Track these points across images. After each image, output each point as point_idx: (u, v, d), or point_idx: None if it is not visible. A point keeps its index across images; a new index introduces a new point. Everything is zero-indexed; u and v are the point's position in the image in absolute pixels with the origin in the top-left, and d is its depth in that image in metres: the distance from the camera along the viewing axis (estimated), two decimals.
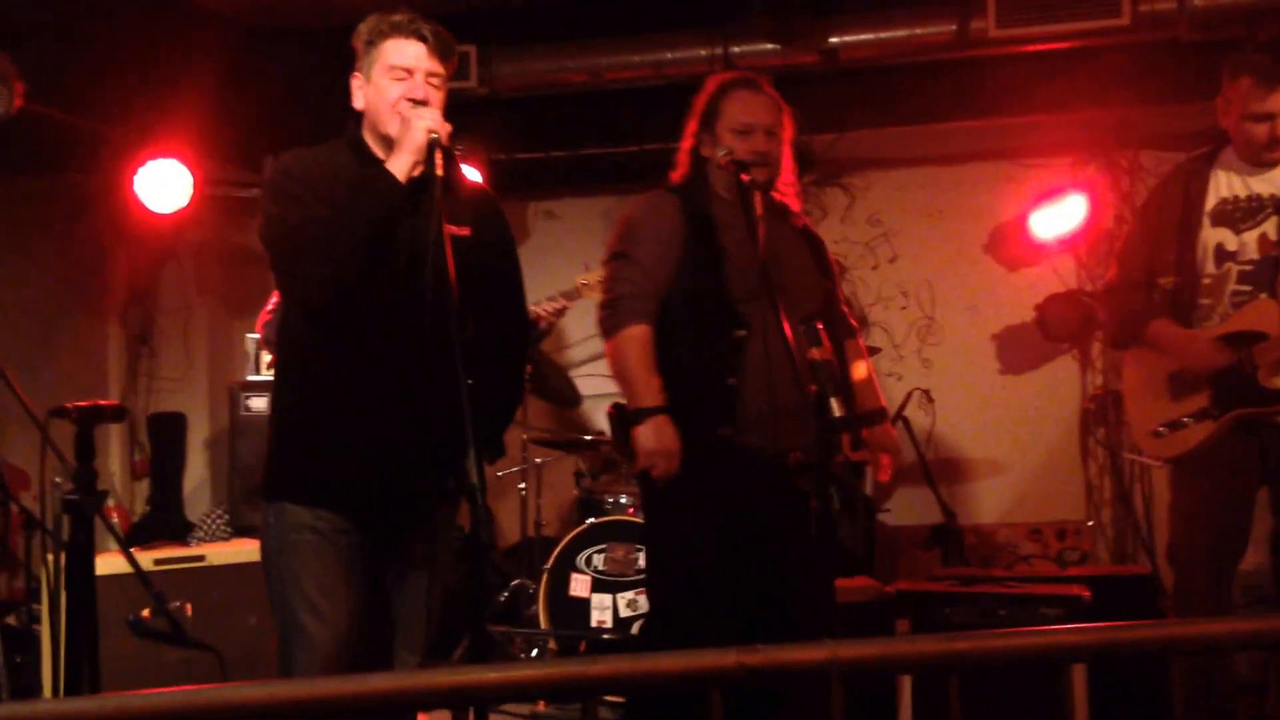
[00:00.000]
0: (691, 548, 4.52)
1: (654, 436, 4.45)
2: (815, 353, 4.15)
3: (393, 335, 3.82)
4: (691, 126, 4.70)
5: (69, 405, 3.72)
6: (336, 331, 3.83)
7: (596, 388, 8.11)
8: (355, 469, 3.84)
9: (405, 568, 3.98)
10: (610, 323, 4.58)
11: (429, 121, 3.76)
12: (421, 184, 3.76)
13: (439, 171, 3.72)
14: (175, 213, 7.95)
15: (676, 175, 4.73)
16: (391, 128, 3.84)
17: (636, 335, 4.50)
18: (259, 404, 7.75)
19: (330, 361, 3.87)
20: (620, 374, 4.57)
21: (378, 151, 3.90)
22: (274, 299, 6.27)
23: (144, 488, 9.35)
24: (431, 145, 3.75)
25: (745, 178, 4.40)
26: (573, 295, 7.20)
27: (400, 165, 3.76)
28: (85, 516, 3.79)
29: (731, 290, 4.47)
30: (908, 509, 8.34)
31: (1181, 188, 5.12)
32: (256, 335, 7.37)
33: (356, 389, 3.84)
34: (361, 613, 3.87)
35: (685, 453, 4.46)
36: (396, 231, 3.78)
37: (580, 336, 8.39)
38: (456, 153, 3.99)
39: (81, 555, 3.80)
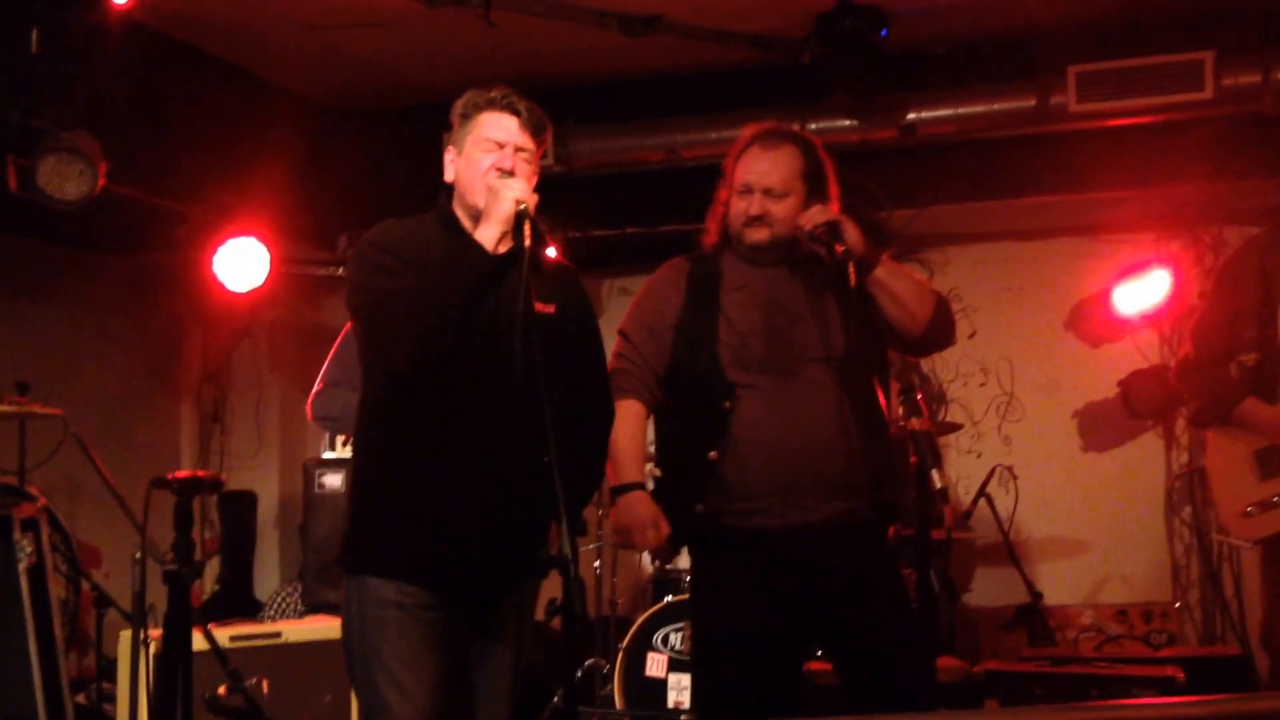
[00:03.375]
0: (704, 630, 4.46)
1: (624, 512, 4.38)
2: (915, 423, 4.07)
3: (478, 409, 3.79)
4: (720, 188, 4.58)
5: (169, 476, 3.69)
6: (422, 403, 3.81)
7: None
8: (442, 543, 3.81)
9: (489, 643, 3.93)
10: None
11: (517, 192, 3.75)
12: (508, 258, 3.75)
13: (526, 242, 3.70)
14: (250, 291, 7.96)
15: (708, 238, 4.60)
16: (480, 198, 3.84)
17: (620, 412, 4.38)
18: (333, 481, 7.72)
19: (415, 433, 3.84)
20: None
21: (467, 224, 3.90)
22: (322, 376, 6.27)
23: (213, 566, 9.32)
24: (519, 216, 3.73)
25: (839, 249, 4.21)
26: None
27: (488, 235, 3.75)
28: (184, 588, 3.75)
29: (722, 358, 4.33)
30: (989, 589, 8.24)
31: (1258, 263, 5.04)
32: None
33: (442, 462, 3.80)
34: (444, 689, 3.82)
35: (680, 529, 4.39)
36: (484, 303, 3.76)
37: None
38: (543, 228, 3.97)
39: (179, 627, 3.74)
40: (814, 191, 4.41)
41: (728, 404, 4.28)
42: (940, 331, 4.46)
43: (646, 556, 7.53)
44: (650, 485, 4.48)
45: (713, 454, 4.28)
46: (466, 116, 3.93)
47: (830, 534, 4.23)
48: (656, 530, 4.34)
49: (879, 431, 4.34)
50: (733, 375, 4.31)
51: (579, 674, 7.35)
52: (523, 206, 3.73)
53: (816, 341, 4.32)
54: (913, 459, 4.03)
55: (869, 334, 4.39)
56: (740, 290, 4.41)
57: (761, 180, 4.37)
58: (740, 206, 4.39)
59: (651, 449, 4.58)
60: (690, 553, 4.53)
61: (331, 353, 6.27)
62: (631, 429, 4.44)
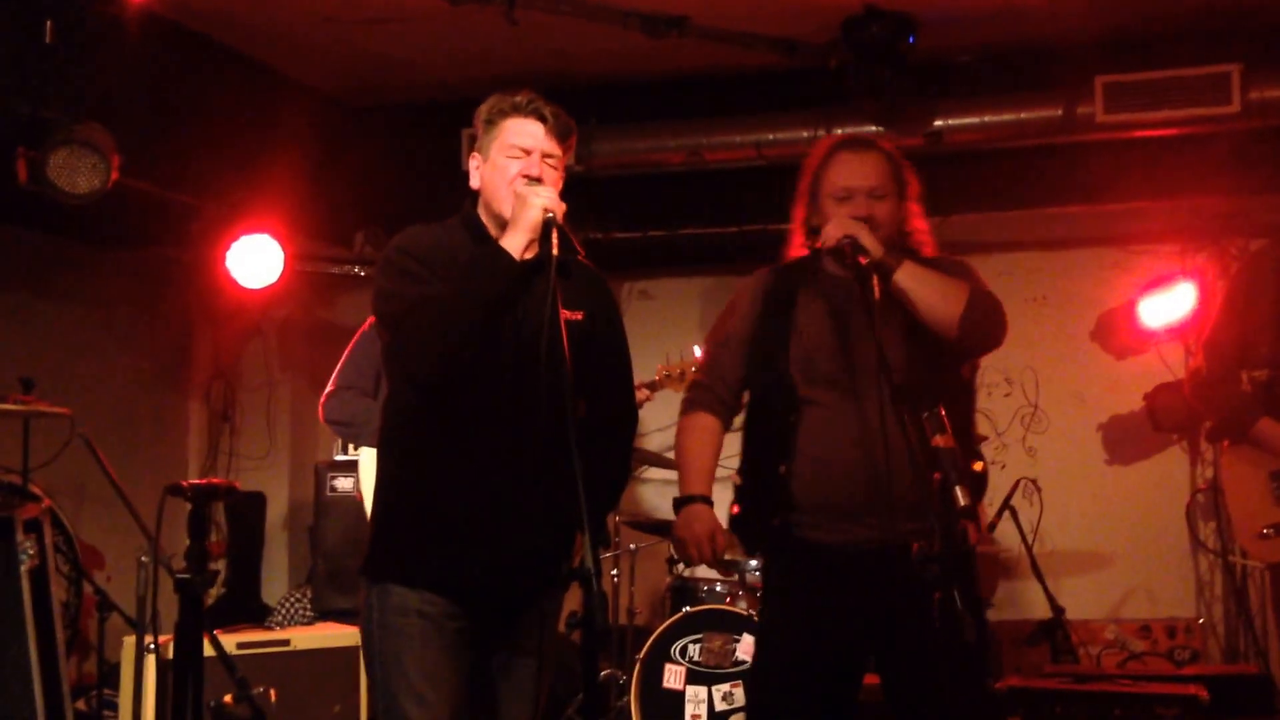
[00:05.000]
0: (768, 643, 4.46)
1: (684, 526, 4.40)
2: (939, 440, 3.97)
3: (504, 416, 3.78)
4: (802, 196, 4.51)
5: (185, 484, 3.64)
6: (447, 411, 3.79)
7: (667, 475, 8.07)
8: (466, 553, 3.78)
9: (512, 654, 3.91)
10: (681, 410, 4.58)
11: (545, 199, 3.73)
12: (536, 265, 3.72)
13: (554, 251, 3.67)
14: (263, 289, 7.88)
15: (791, 250, 4.56)
16: (506, 206, 3.81)
17: (691, 424, 4.47)
18: (345, 484, 7.66)
19: (440, 441, 3.82)
20: (676, 459, 4.57)
21: (493, 231, 3.88)
22: (334, 379, 6.25)
23: (218, 569, 9.20)
24: (547, 224, 3.71)
25: (864, 260, 4.16)
26: (655, 386, 7.15)
27: (515, 242, 3.72)
28: (196, 595, 3.70)
29: (791, 372, 4.31)
30: (1010, 603, 8.18)
31: (1270, 275, 4.95)
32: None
33: (467, 470, 3.78)
34: (464, 701, 3.80)
35: (755, 544, 4.51)
36: (511, 310, 3.74)
37: (654, 427, 8.31)
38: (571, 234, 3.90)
39: (191, 636, 3.68)
40: (903, 196, 4.41)
41: (793, 418, 4.28)
42: (977, 329, 4.30)
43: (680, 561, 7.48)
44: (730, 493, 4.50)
45: (782, 468, 4.28)
46: (491, 123, 3.92)
47: (896, 554, 4.11)
48: (713, 544, 4.36)
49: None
50: (801, 390, 4.30)
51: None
52: (550, 215, 3.71)
53: (886, 358, 4.19)
54: (936, 475, 3.92)
55: (933, 350, 4.30)
56: (814, 304, 4.40)
57: (863, 182, 4.33)
58: (840, 213, 4.31)
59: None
60: (765, 562, 4.59)
61: (345, 354, 6.22)
62: (700, 441, 4.48)
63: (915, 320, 4.24)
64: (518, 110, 3.88)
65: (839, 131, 7.22)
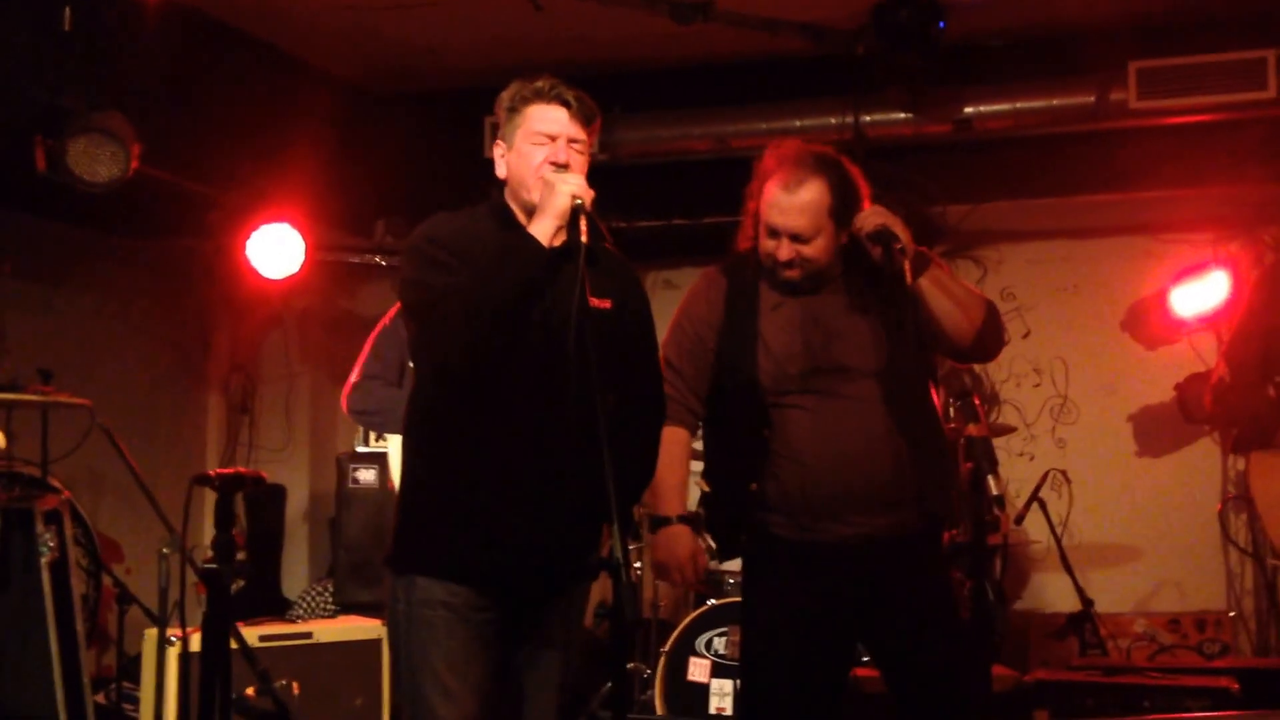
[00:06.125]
0: (751, 638, 4.42)
1: (664, 549, 4.37)
2: (972, 428, 3.91)
3: (532, 406, 3.73)
4: (753, 197, 4.40)
5: (211, 473, 3.65)
6: (475, 401, 3.73)
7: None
8: (493, 544, 3.73)
9: (538, 646, 3.86)
10: None
11: (573, 186, 3.66)
12: (564, 253, 3.65)
13: (583, 238, 3.60)
14: (283, 279, 7.83)
15: (741, 246, 4.46)
16: (534, 194, 3.75)
17: (663, 438, 4.26)
18: (367, 476, 7.61)
19: (467, 431, 3.76)
20: None
21: (522, 219, 3.81)
22: (357, 369, 6.21)
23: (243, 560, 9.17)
24: (575, 211, 3.63)
25: (897, 246, 4.11)
26: None
27: (543, 230, 3.65)
28: (224, 587, 3.67)
29: (762, 385, 4.25)
30: (1039, 595, 8.12)
31: None
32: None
33: (494, 461, 3.73)
34: (490, 693, 3.75)
35: (729, 552, 4.48)
36: (539, 299, 3.67)
37: None
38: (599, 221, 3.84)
39: (219, 627, 3.63)
40: (842, 225, 4.26)
41: (766, 432, 4.23)
42: (991, 339, 4.37)
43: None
44: (694, 505, 4.47)
45: (753, 485, 4.25)
46: (514, 110, 3.86)
47: (879, 547, 4.19)
48: (695, 567, 4.35)
49: (929, 440, 4.29)
50: (772, 400, 4.25)
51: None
52: (579, 202, 3.64)
53: (857, 356, 4.25)
54: (968, 465, 3.87)
55: (915, 341, 4.29)
56: (776, 310, 4.33)
57: (789, 226, 4.22)
58: (769, 246, 4.25)
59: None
60: (744, 563, 4.49)
61: (368, 344, 6.16)
62: (674, 457, 4.38)
63: (897, 313, 4.24)
64: (540, 96, 3.81)
65: (866, 119, 7.31)
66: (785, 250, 4.22)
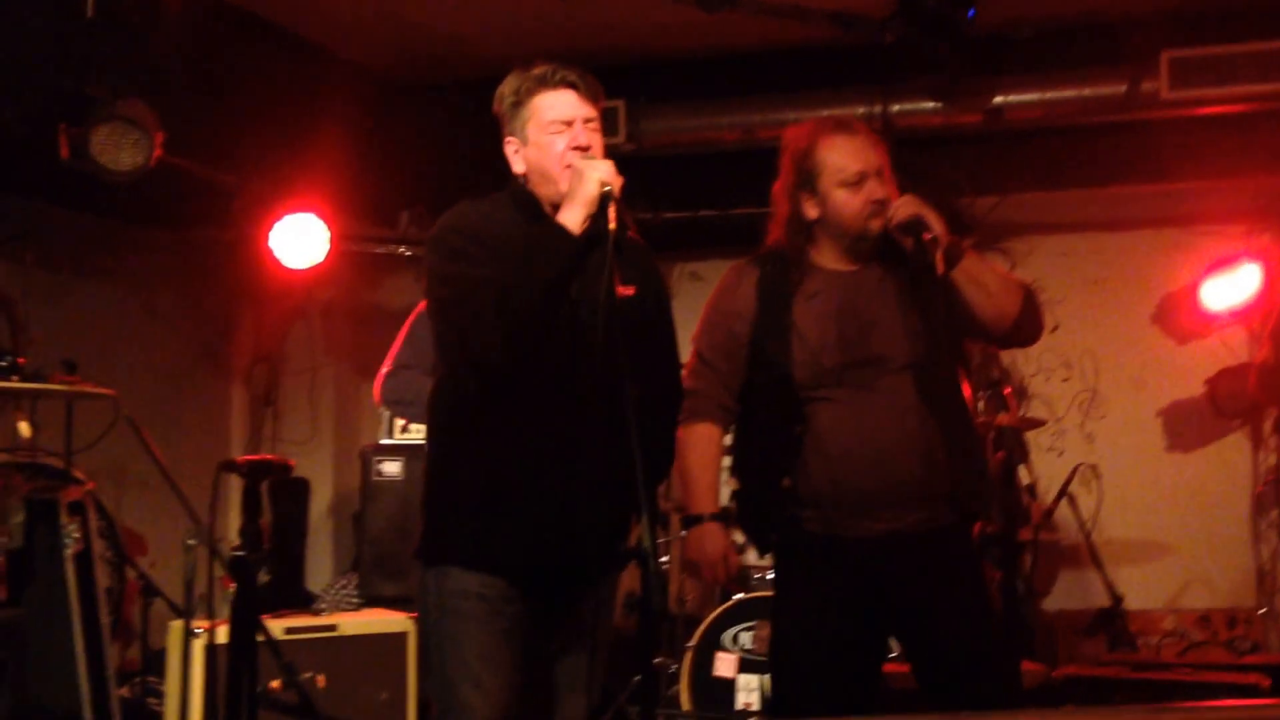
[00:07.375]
0: (782, 633, 4.37)
1: (696, 546, 4.31)
2: (1003, 418, 3.85)
3: (560, 396, 3.70)
4: (785, 188, 4.32)
5: (239, 459, 3.61)
6: (504, 392, 3.69)
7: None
8: (525, 535, 3.71)
9: (570, 637, 3.87)
10: (681, 417, 4.34)
11: (602, 173, 3.62)
12: (590, 240, 3.61)
13: (612, 226, 3.56)
14: (307, 269, 7.79)
15: (771, 239, 4.38)
16: (562, 184, 3.70)
17: (693, 437, 4.29)
18: (392, 468, 7.56)
19: (498, 423, 3.73)
20: (678, 474, 4.37)
21: (545, 207, 3.77)
22: (390, 359, 6.16)
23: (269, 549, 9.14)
24: (604, 198, 3.59)
25: (927, 236, 4.07)
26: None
27: (572, 218, 3.61)
28: (251, 575, 3.65)
29: (796, 378, 4.17)
30: (1068, 592, 8.02)
31: None
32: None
33: (523, 451, 3.71)
34: (521, 685, 3.75)
35: (759, 543, 4.41)
36: (568, 289, 3.63)
37: None
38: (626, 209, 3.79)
39: (248, 615, 3.61)
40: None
41: (799, 429, 4.15)
42: (1029, 326, 4.32)
43: None
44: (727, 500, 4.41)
45: (786, 481, 4.18)
46: (519, 104, 3.81)
47: (911, 541, 4.14)
48: (726, 566, 4.31)
49: (963, 433, 4.24)
50: (805, 394, 4.17)
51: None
52: (608, 188, 3.60)
53: (893, 348, 4.18)
54: (999, 455, 3.81)
55: (948, 332, 4.22)
56: (812, 299, 4.24)
57: (871, 161, 4.17)
58: (854, 204, 4.15)
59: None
60: (775, 558, 4.45)
61: (402, 334, 6.13)
62: (706, 455, 4.35)
63: (930, 304, 4.16)
64: (546, 83, 3.77)
65: (895, 108, 7.27)
66: (878, 188, 4.15)
